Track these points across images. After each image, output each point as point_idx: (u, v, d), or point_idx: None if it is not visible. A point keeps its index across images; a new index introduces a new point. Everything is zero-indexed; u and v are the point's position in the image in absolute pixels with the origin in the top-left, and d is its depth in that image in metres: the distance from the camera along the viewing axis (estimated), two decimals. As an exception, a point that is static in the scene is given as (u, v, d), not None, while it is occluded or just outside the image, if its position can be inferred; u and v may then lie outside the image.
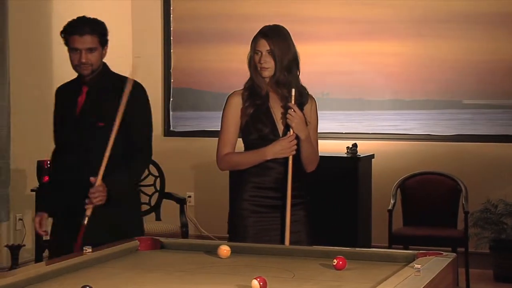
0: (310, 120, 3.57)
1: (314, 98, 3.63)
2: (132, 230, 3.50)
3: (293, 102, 3.46)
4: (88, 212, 3.37)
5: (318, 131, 3.67)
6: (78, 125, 3.56)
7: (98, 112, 3.55)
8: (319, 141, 3.67)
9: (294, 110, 3.45)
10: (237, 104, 3.54)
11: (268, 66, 3.48)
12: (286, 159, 3.47)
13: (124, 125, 3.46)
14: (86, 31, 3.52)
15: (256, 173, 3.51)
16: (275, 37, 3.48)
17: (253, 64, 3.52)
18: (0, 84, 5.92)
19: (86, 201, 3.38)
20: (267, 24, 3.57)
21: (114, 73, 3.67)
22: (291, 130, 3.47)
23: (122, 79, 3.56)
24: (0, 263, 6.13)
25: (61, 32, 3.59)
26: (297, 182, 3.51)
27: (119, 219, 3.50)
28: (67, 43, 3.58)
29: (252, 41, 3.53)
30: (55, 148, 3.73)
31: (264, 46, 3.48)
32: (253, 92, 3.53)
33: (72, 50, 3.55)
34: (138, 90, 3.59)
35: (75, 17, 3.62)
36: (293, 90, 3.46)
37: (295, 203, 3.50)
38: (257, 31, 3.54)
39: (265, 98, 3.53)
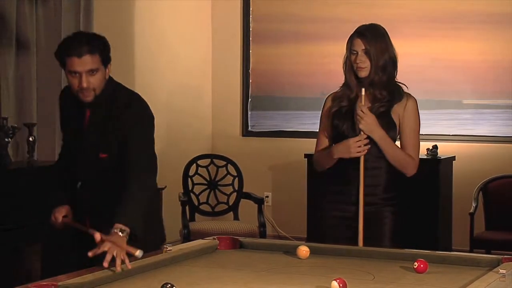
0: (403, 119, 3.46)
1: (412, 97, 3.49)
2: (152, 239, 3.17)
3: (363, 102, 3.40)
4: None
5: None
6: (83, 152, 3.16)
7: (102, 141, 3.10)
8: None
9: (362, 111, 3.39)
10: (329, 106, 3.52)
11: (364, 66, 3.40)
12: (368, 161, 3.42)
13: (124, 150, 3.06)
14: (85, 51, 2.97)
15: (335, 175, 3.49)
16: (371, 36, 3.40)
17: (349, 64, 3.46)
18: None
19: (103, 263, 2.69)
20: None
21: (120, 92, 3.15)
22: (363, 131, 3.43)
23: (129, 98, 3.14)
24: None
25: (56, 53, 3.06)
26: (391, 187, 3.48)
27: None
28: (63, 65, 3.03)
29: (348, 40, 3.45)
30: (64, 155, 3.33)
31: (359, 45, 3.41)
32: (343, 94, 3.49)
33: (70, 73, 3.01)
34: (136, 106, 3.14)
35: (71, 34, 3.11)
36: (363, 90, 3.39)
37: (381, 207, 3.45)
38: (354, 30, 3.46)
39: (352, 100, 3.47)
